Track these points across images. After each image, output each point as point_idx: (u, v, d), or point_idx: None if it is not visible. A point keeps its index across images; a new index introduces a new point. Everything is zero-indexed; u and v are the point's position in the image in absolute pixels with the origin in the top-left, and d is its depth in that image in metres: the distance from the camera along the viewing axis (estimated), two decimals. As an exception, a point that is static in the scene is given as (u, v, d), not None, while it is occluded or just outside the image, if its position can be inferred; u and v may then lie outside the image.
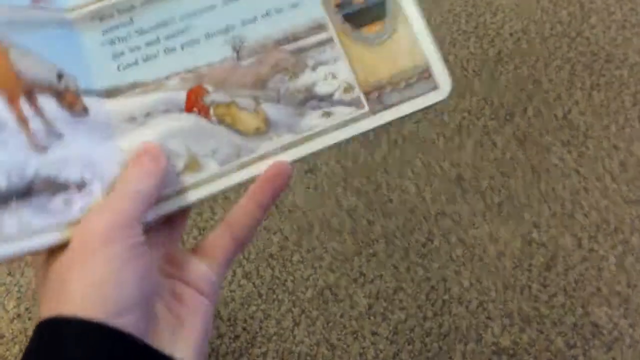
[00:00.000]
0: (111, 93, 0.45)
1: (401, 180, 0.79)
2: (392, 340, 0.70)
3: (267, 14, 0.46)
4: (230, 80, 0.45)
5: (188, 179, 0.43)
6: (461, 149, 0.83)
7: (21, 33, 0.44)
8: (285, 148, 0.44)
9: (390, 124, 0.46)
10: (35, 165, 0.41)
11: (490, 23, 0.96)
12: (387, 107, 0.46)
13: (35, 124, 0.42)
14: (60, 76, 0.43)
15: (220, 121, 0.45)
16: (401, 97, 0.46)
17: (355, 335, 0.70)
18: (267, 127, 0.45)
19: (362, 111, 0.46)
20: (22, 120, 0.42)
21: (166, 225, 0.41)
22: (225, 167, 0.44)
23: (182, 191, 0.42)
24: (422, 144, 0.83)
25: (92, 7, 0.44)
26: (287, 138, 0.45)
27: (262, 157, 0.44)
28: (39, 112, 0.43)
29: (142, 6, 0.45)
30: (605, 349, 0.68)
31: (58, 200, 0.41)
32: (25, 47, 0.44)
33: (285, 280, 0.74)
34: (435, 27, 0.96)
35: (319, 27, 0.46)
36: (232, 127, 0.45)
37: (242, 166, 0.44)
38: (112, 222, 0.36)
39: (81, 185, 0.41)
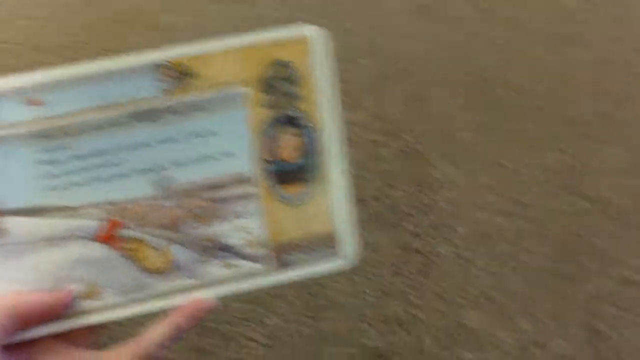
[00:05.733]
0: (36, 212, 0.45)
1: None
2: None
3: (199, 159, 0.46)
4: (147, 218, 0.46)
5: (86, 304, 0.45)
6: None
7: None
8: (182, 291, 0.46)
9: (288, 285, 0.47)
10: None
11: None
12: (289, 268, 0.47)
13: None
14: None
15: (129, 255, 0.46)
16: (304, 260, 0.47)
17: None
18: (170, 268, 0.46)
19: (265, 268, 0.47)
20: None
21: (65, 338, 0.44)
22: (123, 299, 0.45)
23: (77, 314, 0.45)
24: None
25: (38, 126, 0.44)
26: (187, 282, 0.46)
27: (158, 296, 0.46)
28: None
29: (82, 132, 0.45)
30: None
31: None
32: None
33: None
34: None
35: (245, 180, 0.46)
36: (138, 262, 0.46)
37: (138, 301, 0.46)
38: None
39: None
